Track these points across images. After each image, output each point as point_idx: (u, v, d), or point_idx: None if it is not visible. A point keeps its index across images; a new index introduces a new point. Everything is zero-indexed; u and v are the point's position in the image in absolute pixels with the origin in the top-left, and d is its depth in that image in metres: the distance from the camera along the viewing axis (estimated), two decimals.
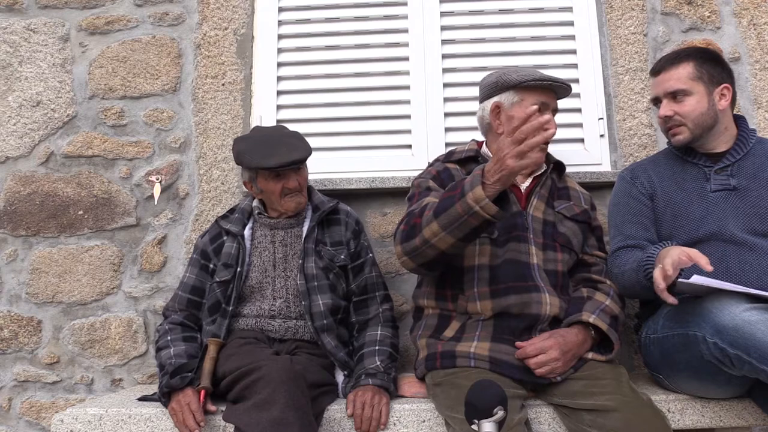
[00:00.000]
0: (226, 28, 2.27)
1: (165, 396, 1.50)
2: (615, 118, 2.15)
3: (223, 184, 2.18)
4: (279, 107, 2.25)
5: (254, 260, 1.74)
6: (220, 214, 1.95)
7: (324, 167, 2.19)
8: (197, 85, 2.24)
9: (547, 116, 1.25)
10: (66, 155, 2.23)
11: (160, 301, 2.11)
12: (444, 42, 2.26)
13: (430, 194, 1.58)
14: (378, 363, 1.59)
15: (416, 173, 2.03)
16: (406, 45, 2.27)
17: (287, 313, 1.69)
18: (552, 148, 1.72)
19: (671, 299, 1.31)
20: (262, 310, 1.69)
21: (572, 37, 2.25)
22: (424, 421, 1.47)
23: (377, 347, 1.65)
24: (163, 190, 2.18)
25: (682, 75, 1.60)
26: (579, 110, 2.19)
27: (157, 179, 2.18)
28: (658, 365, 1.54)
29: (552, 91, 1.66)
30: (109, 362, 2.10)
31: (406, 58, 2.26)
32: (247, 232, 1.78)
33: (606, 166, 2.15)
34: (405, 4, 2.29)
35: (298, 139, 1.77)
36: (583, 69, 2.21)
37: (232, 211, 1.85)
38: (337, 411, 1.49)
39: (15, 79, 2.28)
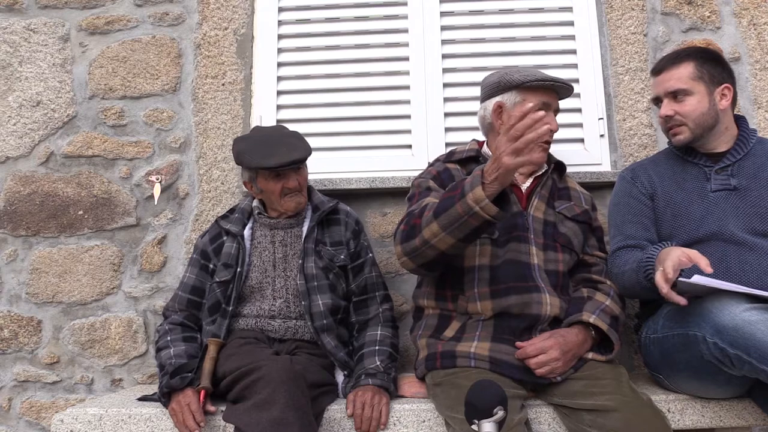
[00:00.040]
0: (226, 28, 2.27)
1: (165, 396, 1.50)
2: (615, 118, 2.15)
3: (223, 184, 2.18)
4: (279, 107, 2.25)
5: (254, 260, 1.74)
6: (220, 214, 1.95)
7: (324, 167, 2.19)
8: (197, 85, 2.24)
9: (541, 113, 1.25)
10: (66, 155, 2.23)
11: (160, 301, 2.11)
12: (444, 42, 2.26)
13: (431, 194, 1.58)
14: (378, 363, 1.59)
15: (416, 173, 2.03)
16: (406, 45, 2.27)
17: (287, 313, 1.69)
18: (552, 148, 1.72)
19: (679, 299, 1.31)
20: (262, 310, 1.69)
21: (572, 37, 2.25)
22: (424, 421, 1.47)
23: (377, 347, 1.65)
24: (163, 190, 2.18)
25: (683, 75, 1.60)
26: (579, 110, 2.19)
27: (157, 179, 2.18)
28: (658, 365, 1.54)
29: (554, 91, 1.66)
30: (109, 362, 2.10)
31: (406, 58, 2.26)
32: (247, 232, 1.78)
33: (606, 166, 2.15)
34: (405, 4, 2.29)
35: (298, 139, 1.77)
36: (583, 69, 2.21)
37: (232, 211, 1.85)
38: (337, 411, 1.49)
39: (15, 79, 2.28)
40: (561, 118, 1.95)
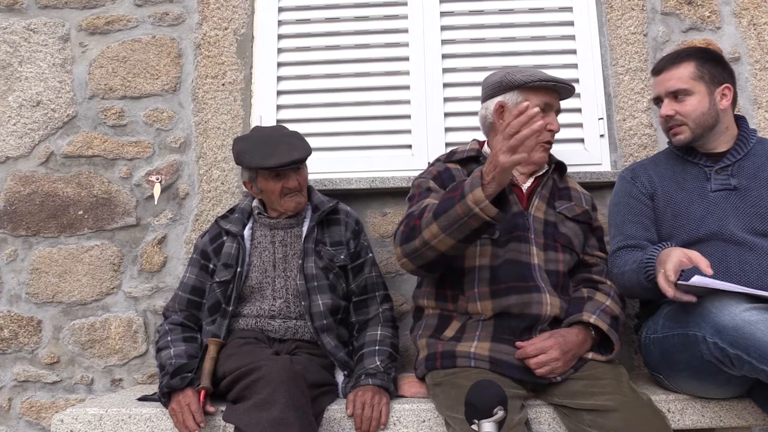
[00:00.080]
0: (226, 28, 2.27)
1: (165, 396, 1.50)
2: (615, 118, 2.15)
3: (223, 184, 2.18)
4: (279, 107, 2.25)
5: (254, 260, 1.74)
6: (220, 214, 1.95)
7: (324, 167, 2.19)
8: (197, 85, 2.24)
9: (535, 110, 1.25)
10: (66, 155, 2.23)
11: (160, 301, 2.11)
12: (444, 42, 2.26)
13: (431, 195, 1.58)
14: (378, 363, 1.59)
15: (416, 173, 2.03)
16: (406, 45, 2.27)
17: (287, 313, 1.69)
18: (552, 149, 1.72)
19: (688, 297, 1.32)
20: (262, 310, 1.69)
21: (572, 37, 2.25)
22: (424, 421, 1.47)
23: (377, 347, 1.65)
24: (163, 190, 2.18)
25: (683, 74, 1.60)
26: (579, 110, 2.19)
27: (157, 179, 2.18)
28: (658, 365, 1.54)
29: (555, 91, 1.66)
30: (109, 362, 2.10)
31: (406, 58, 2.26)
32: (246, 232, 1.78)
33: (606, 166, 2.15)
34: (405, 4, 2.29)
35: (298, 138, 1.77)
36: (583, 69, 2.21)
37: (231, 211, 1.85)
38: (337, 411, 1.49)
39: (15, 79, 2.28)
40: (561, 117, 1.95)
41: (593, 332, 1.53)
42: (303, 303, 1.66)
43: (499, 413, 0.95)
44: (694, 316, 1.36)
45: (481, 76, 1.90)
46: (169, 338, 1.66)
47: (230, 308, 1.68)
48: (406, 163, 2.19)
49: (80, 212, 2.19)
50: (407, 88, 2.24)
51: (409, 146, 2.21)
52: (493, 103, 1.67)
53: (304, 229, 1.78)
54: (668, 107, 1.62)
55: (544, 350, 1.42)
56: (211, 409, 1.47)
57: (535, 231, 1.60)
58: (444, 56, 2.25)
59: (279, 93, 2.26)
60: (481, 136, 1.83)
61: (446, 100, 2.23)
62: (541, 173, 1.70)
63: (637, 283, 1.49)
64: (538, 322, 1.51)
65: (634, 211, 1.66)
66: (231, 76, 2.24)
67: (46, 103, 2.26)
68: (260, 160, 1.67)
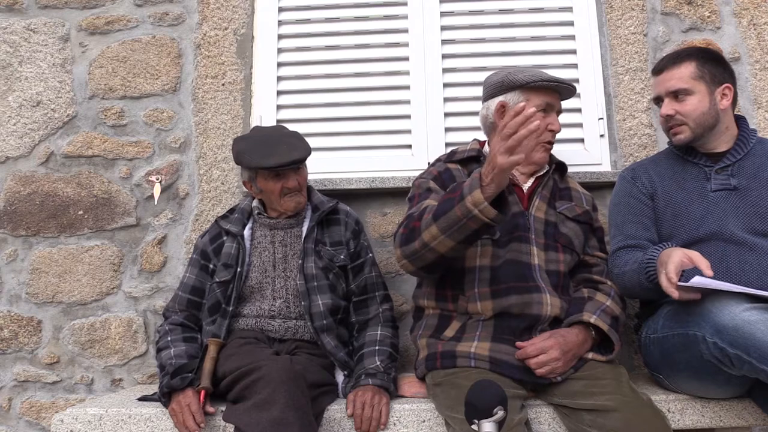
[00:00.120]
0: (226, 28, 2.27)
1: (165, 396, 1.50)
2: (615, 118, 2.15)
3: (223, 184, 2.18)
4: (279, 107, 2.25)
5: (254, 260, 1.74)
6: (220, 214, 1.95)
7: (324, 167, 2.19)
8: (197, 85, 2.24)
9: (532, 110, 1.24)
10: (66, 155, 2.23)
11: (160, 301, 2.11)
12: (444, 42, 2.26)
13: (431, 195, 1.58)
14: (378, 363, 1.59)
15: (416, 173, 2.03)
16: (406, 45, 2.27)
17: (287, 313, 1.69)
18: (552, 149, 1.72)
19: (692, 296, 1.32)
20: (262, 310, 1.69)
21: (572, 37, 2.25)
22: (424, 421, 1.47)
23: (377, 347, 1.65)
24: (163, 190, 2.18)
25: (684, 74, 1.60)
26: (579, 110, 2.19)
27: (157, 179, 2.18)
28: (658, 365, 1.54)
29: (557, 92, 1.66)
30: (109, 362, 2.10)
31: (406, 58, 2.26)
32: (246, 232, 1.78)
33: (606, 166, 2.15)
34: (405, 4, 2.29)
35: (298, 138, 1.77)
36: (583, 69, 2.21)
37: (231, 211, 1.85)
38: (337, 411, 1.49)
39: (15, 79, 2.28)
40: (561, 117, 1.95)
41: (593, 332, 1.53)
42: (303, 303, 1.66)
43: (499, 413, 0.95)
44: (694, 316, 1.36)
45: (481, 76, 1.90)
46: (169, 338, 1.66)
47: (230, 308, 1.68)
48: (406, 163, 2.19)
49: (80, 212, 2.19)
50: (407, 88, 2.24)
51: (409, 146, 2.21)
52: (494, 103, 1.67)
53: (304, 229, 1.78)
54: (668, 107, 1.62)
55: (544, 350, 1.42)
56: (211, 409, 1.47)
57: (536, 231, 1.60)
58: (444, 56, 2.25)
59: (279, 93, 2.26)
60: (481, 136, 1.83)
61: (446, 100, 2.23)
62: (541, 173, 1.70)
63: (638, 284, 1.49)
64: (539, 322, 1.51)
65: (634, 211, 1.66)
66: (231, 76, 2.24)
67: (46, 103, 2.26)
68: (260, 160, 1.67)
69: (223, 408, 1.45)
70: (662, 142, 2.03)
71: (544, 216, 1.63)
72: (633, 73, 2.17)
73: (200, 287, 1.75)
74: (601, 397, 1.35)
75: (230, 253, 1.73)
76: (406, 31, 2.28)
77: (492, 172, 1.29)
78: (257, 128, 1.85)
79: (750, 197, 1.56)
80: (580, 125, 2.18)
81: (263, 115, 2.23)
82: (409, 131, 2.22)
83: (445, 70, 2.24)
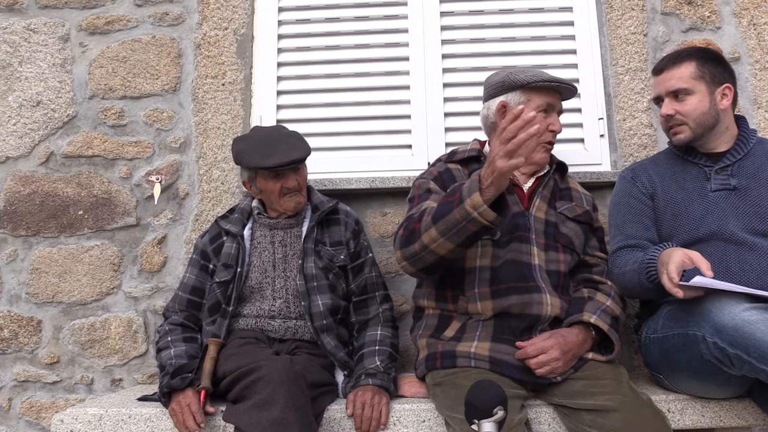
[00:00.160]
0: (226, 28, 2.27)
1: (165, 396, 1.50)
2: (615, 118, 2.15)
3: (223, 184, 2.18)
4: (279, 107, 2.25)
5: (254, 260, 1.74)
6: (220, 214, 1.95)
7: (324, 167, 2.19)
8: (197, 85, 2.24)
9: (532, 113, 1.24)
10: (66, 155, 2.23)
11: (160, 301, 2.11)
12: (444, 42, 2.26)
13: (431, 196, 1.58)
14: (378, 363, 1.59)
15: (416, 173, 2.03)
16: (406, 45, 2.27)
17: (287, 313, 1.69)
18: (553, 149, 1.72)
19: (695, 293, 1.32)
20: (262, 310, 1.69)
21: (572, 37, 2.25)
22: (424, 421, 1.47)
23: (377, 347, 1.65)
24: (163, 190, 2.18)
25: (684, 74, 1.60)
26: (579, 110, 2.19)
27: (157, 179, 2.18)
28: (658, 365, 1.54)
29: (558, 92, 1.66)
30: (109, 362, 2.10)
31: (406, 58, 2.26)
32: (246, 232, 1.77)
33: (606, 166, 2.15)
34: (405, 4, 2.29)
35: (298, 138, 1.77)
36: (583, 69, 2.21)
37: (231, 211, 1.85)
38: (337, 411, 1.49)
39: (15, 79, 2.28)
40: (561, 117, 1.95)
41: (593, 332, 1.53)
42: (303, 303, 1.66)
43: (499, 413, 0.95)
44: (694, 315, 1.36)
45: (481, 76, 1.90)
46: (169, 338, 1.66)
47: (230, 308, 1.68)
48: (406, 163, 2.19)
49: (80, 212, 2.19)
50: (407, 88, 2.24)
51: (409, 146, 2.21)
52: (495, 103, 1.67)
53: (304, 229, 1.78)
54: (669, 107, 1.62)
55: (544, 350, 1.42)
56: (211, 409, 1.47)
57: (536, 231, 1.60)
58: (444, 56, 2.25)
59: (279, 93, 2.26)
60: (482, 136, 1.83)
61: (446, 100, 2.23)
62: (542, 173, 1.70)
63: (638, 284, 1.49)
64: (539, 322, 1.51)
65: (634, 211, 1.66)
66: (231, 76, 2.24)
67: (46, 103, 2.26)
68: (259, 160, 1.67)
69: (223, 408, 1.45)
70: (662, 142, 2.03)
71: (544, 216, 1.63)
72: (633, 73, 2.17)
73: (200, 287, 1.75)
74: (601, 397, 1.35)
75: (230, 253, 1.73)
76: (406, 31, 2.28)
77: (491, 176, 1.29)
78: (257, 128, 1.85)
79: (750, 197, 1.56)
80: (580, 125, 2.18)
81: (263, 115, 2.23)
82: (409, 131, 2.22)
83: (445, 70, 2.24)
